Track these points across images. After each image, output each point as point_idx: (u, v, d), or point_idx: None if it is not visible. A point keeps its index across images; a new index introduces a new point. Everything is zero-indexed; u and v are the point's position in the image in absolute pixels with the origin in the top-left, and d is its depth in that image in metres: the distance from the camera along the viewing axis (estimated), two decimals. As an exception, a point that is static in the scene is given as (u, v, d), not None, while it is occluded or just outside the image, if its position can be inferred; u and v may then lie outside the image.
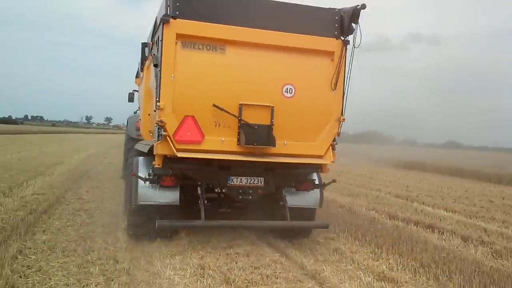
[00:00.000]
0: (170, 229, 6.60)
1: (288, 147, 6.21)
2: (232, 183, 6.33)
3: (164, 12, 5.67)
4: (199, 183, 6.40)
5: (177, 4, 5.63)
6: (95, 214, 8.18)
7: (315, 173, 7.13)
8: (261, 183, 6.43)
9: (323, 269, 5.75)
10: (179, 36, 5.66)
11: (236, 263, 5.77)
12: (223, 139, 5.93)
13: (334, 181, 7.18)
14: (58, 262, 5.31)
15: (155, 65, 5.95)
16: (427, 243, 7.27)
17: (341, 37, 6.26)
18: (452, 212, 10.86)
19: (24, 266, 5.06)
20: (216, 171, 6.23)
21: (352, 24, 6.12)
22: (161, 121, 5.64)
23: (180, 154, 5.66)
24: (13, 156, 18.59)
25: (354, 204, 11.07)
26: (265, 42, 5.99)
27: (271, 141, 6.00)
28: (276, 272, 5.49)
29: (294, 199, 6.90)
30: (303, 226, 7.20)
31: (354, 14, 6.10)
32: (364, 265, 6.13)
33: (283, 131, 6.11)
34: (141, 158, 6.61)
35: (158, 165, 5.89)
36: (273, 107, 6.03)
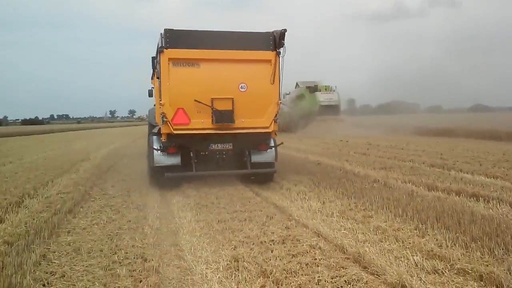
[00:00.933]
0: (175, 179, 9.89)
1: (245, 123, 9.54)
2: (212, 147, 9.85)
3: (160, 45, 9.07)
4: (191, 149, 9.82)
5: (167, 40, 9.04)
6: (121, 210, 7.86)
7: (271, 138, 10.30)
8: (230, 146, 9.90)
9: (366, 250, 5.28)
10: (170, 59, 9.09)
11: (272, 251, 5.35)
12: (202, 120, 9.32)
13: (281, 143, 10.93)
14: (83, 265, 4.98)
15: (158, 78, 9.60)
16: (474, 214, 6.71)
17: (275, 50, 9.50)
18: (493, 178, 10.22)
19: (47, 273, 4.74)
20: (201, 141, 9.67)
21: (281, 41, 9.37)
22: (163, 112, 9.15)
23: (176, 132, 9.24)
24: (39, 156, 18.57)
25: (389, 177, 10.53)
26: (225, 58, 9.31)
27: (232, 120, 9.37)
28: (316, 259, 5.05)
29: (257, 157, 10.26)
30: (258, 172, 10.27)
31: (281, 34, 9.33)
32: (410, 243, 5.63)
33: (240, 113, 9.43)
34: (155, 137, 10.16)
35: (164, 140, 9.50)
36: (233, 98, 9.37)
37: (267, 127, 9.67)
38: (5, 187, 10.10)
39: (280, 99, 9.76)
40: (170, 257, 5.45)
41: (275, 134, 10.22)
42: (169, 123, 9.16)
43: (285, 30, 9.32)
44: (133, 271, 4.77)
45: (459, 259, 4.99)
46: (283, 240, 5.77)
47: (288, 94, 40.85)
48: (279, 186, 10.16)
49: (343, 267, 4.79)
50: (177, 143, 9.64)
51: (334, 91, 36.98)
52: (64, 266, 4.96)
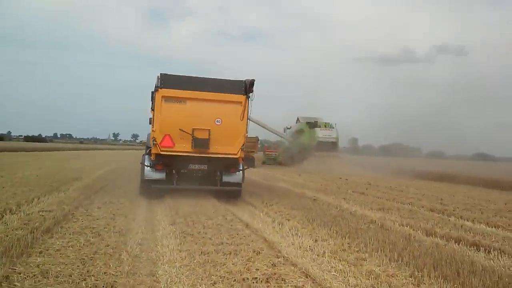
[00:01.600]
0: (160, 190, 12.07)
1: (218, 149, 11.88)
2: (190, 167, 12.28)
3: (157, 84, 11.48)
4: (174, 168, 12.22)
5: (162, 82, 11.44)
6: (102, 233, 7.42)
7: (240, 163, 12.53)
8: (205, 167, 12.34)
9: (356, 297, 4.85)
10: (163, 96, 11.48)
11: (254, 290, 4.92)
12: (184, 145, 11.70)
13: (250, 167, 14.91)
14: (46, 291, 4.56)
15: (152, 109, 11.96)
16: (474, 264, 6.26)
17: (245, 94, 11.82)
18: (495, 227, 9.78)
19: (4, 297, 4.32)
20: (182, 161, 12.03)
21: (251, 88, 11.77)
22: (154, 137, 11.60)
23: (162, 152, 11.61)
24: (33, 172, 18.17)
25: (386, 219, 10.09)
26: (206, 98, 11.68)
27: (208, 146, 11.74)
28: (300, 302, 4.60)
29: (227, 177, 12.45)
30: (225, 189, 12.44)
31: (251, 83, 11.72)
32: (404, 291, 5.20)
33: (215, 141, 11.76)
34: (146, 156, 12.49)
35: (153, 158, 11.85)
36: (209, 129, 11.74)
37: (235, 154, 12.12)
38: (-12, 201, 9.69)
39: (247, 132, 12.23)
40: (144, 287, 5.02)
41: (242, 159, 12.57)
42: (158, 145, 11.67)
43: (253, 80, 11.81)
44: (99, 301, 4.34)
45: (456, 314, 4.55)
46: (267, 279, 5.32)
47: (289, 128, 41.38)
48: (271, 219, 9.74)
49: (329, 314, 4.34)
50: (163, 161, 12.05)
51: (333, 128, 37.53)
52: (25, 290, 4.53)
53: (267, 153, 43.15)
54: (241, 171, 12.61)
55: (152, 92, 12.13)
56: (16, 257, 5.63)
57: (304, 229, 8.73)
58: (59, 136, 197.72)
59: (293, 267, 6.01)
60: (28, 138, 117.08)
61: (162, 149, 11.64)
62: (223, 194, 12.66)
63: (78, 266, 5.48)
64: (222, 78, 12.12)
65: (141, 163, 12.87)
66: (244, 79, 12.01)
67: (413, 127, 60.88)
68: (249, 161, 34.25)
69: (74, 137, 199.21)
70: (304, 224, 9.26)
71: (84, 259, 5.81)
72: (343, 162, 35.32)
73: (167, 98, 11.58)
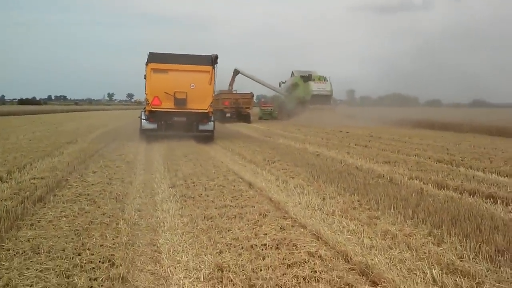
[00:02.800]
0: (152, 136, 16.35)
1: (193, 106, 16.16)
2: (174, 119, 16.39)
3: (146, 61, 16.06)
4: (162, 120, 16.50)
5: (151, 58, 16.06)
6: (97, 200, 6.98)
7: (211, 116, 16.96)
8: (184, 119, 16.48)
9: (374, 260, 4.47)
10: (151, 69, 15.94)
11: (263, 259, 4.52)
12: (168, 103, 16.01)
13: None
14: (36, 270, 4.14)
15: (145, 77, 16.31)
16: (495, 219, 5.87)
17: (211, 65, 16.12)
18: (507, 177, 9.43)
19: (-11, 279, 3.91)
20: (167, 115, 16.28)
21: (216, 61, 16.27)
22: (146, 98, 16.16)
23: (153, 109, 16.15)
24: (26, 136, 17.67)
25: (394, 172, 9.71)
26: (183, 69, 16.05)
27: (186, 104, 16.01)
28: (315, 271, 4.20)
29: (202, 126, 16.69)
30: (201, 134, 16.84)
31: (215, 57, 16.17)
32: (425, 252, 4.81)
33: (190, 100, 16.00)
34: (143, 112, 16.82)
35: (147, 113, 16.39)
36: (186, 92, 15.99)
37: (206, 109, 16.69)
38: (-23, 169, 9.24)
39: (214, 93, 17.91)
40: (144, 260, 4.64)
41: (212, 113, 17.19)
42: (150, 104, 16.44)
43: (217, 55, 16.50)
44: (94, 279, 3.94)
45: (485, 276, 4.18)
46: (277, 245, 4.92)
47: (283, 82, 41.66)
48: (274, 177, 9.34)
49: (348, 285, 3.96)
50: (153, 116, 16.60)
51: (327, 81, 37.73)
52: (13, 270, 4.12)
53: (263, 108, 43.37)
54: (212, 122, 17.30)
55: (146, 64, 16.44)
56: (5, 231, 5.20)
57: (310, 186, 8.34)
58: (53, 98, 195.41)
59: (303, 229, 5.63)
60: (22, 101, 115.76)
61: (153, 106, 16.49)
62: (200, 138, 17.04)
63: (72, 238, 5.07)
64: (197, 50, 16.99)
65: (138, 117, 17.92)
66: (210, 54, 16.66)
67: (410, 76, 60.13)
68: (244, 117, 34.81)
69: (69, 98, 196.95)
70: (309, 181, 8.87)
71: (78, 230, 5.39)
72: (338, 114, 35.31)
73: (154, 70, 16.31)
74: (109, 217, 6.00)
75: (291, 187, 8.23)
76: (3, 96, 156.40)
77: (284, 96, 41.39)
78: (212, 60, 16.39)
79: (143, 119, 16.75)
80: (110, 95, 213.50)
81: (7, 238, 5.02)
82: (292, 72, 41.14)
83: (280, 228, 5.61)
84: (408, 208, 6.49)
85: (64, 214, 6.10)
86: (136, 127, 18.92)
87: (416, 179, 8.99)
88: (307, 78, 37.99)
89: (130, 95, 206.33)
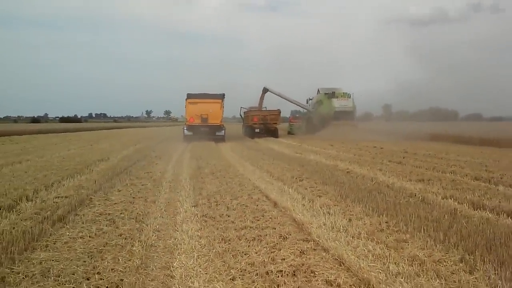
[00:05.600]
0: (190, 139, 29.26)
1: (211, 121, 30.64)
2: (201, 129, 30.23)
3: (186, 98, 30.82)
4: (194, 130, 30.60)
5: (188, 96, 30.91)
6: (116, 220, 6.88)
7: (223, 127, 30.98)
8: (207, 129, 30.34)
9: (399, 289, 4.13)
10: (188, 102, 30.72)
11: (279, 286, 4.25)
12: (198, 120, 30.60)
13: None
14: (41, 295, 4.02)
15: (185, 107, 31.08)
16: (535, 244, 5.42)
17: (222, 99, 30.93)
18: (552, 197, 8.80)
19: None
20: (198, 127, 30.56)
21: (223, 96, 31.23)
22: (186, 118, 31.63)
23: (190, 124, 30.87)
24: (60, 154, 18.01)
25: (427, 191, 9.24)
26: (205, 101, 30.72)
27: (207, 121, 30.63)
28: (332, 301, 3.91)
29: (217, 133, 30.67)
30: (217, 137, 30.24)
31: (223, 95, 31.17)
32: (455, 281, 4.44)
33: (210, 119, 30.60)
34: (184, 125, 31.60)
35: (186, 126, 30.98)
36: (207, 114, 30.62)
37: (219, 123, 30.39)
38: (6, 187, 9.36)
39: (223, 115, 31.56)
40: (155, 286, 4.45)
41: (223, 125, 30.71)
42: (188, 121, 30.54)
43: (224, 94, 31.03)
44: (97, 308, 3.77)
45: (522, 311, 3.78)
46: (294, 271, 4.63)
47: (311, 99, 43.95)
48: (301, 196, 9.03)
49: (366, 318, 3.64)
50: (190, 128, 30.14)
51: (349, 98, 39.70)
52: (18, 295, 4.00)
53: (291, 123, 46.88)
54: (223, 130, 30.72)
55: (185, 100, 30.39)
56: (18, 253, 5.14)
57: (336, 206, 8.00)
58: (94, 116, 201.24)
59: (324, 253, 5.32)
60: (63, 119, 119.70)
61: (189, 123, 30.33)
62: (216, 139, 29.54)
63: (84, 261, 4.93)
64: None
65: (182, 128, 31.53)
66: (221, 93, 31.04)
67: (450, 90, 58.63)
68: (272, 132, 36.79)
69: (109, 116, 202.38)
70: (336, 200, 8.54)
71: (92, 252, 5.26)
72: (356, 129, 36.62)
73: (190, 102, 30.29)
74: (125, 239, 5.86)
75: (317, 207, 7.91)
76: (46, 114, 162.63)
77: (311, 112, 43.17)
78: (222, 96, 30.93)
79: (185, 129, 30.63)
80: (148, 112, 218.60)
81: (19, 260, 4.94)
82: (318, 89, 42.76)
83: (300, 252, 5.31)
84: (439, 231, 6.10)
85: (80, 235, 5.99)
86: (168, 145, 26.09)
87: (450, 199, 8.50)
88: (331, 95, 39.92)
89: (167, 112, 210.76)
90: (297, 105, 44.95)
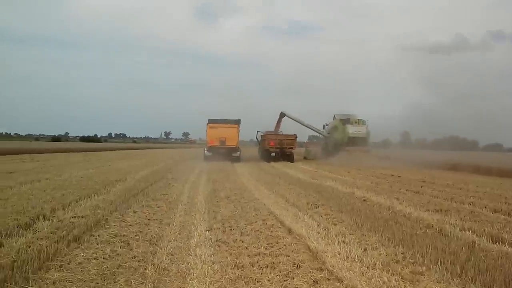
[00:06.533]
0: (209, 159, 33.93)
1: (228, 144, 35.34)
2: (219, 151, 35.18)
3: (207, 122, 36.12)
4: (214, 151, 35.54)
5: (209, 121, 36.20)
6: (131, 242, 6.90)
7: (238, 149, 36.07)
8: (225, 151, 35.22)
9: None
10: (209, 126, 35.87)
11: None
12: (217, 143, 35.48)
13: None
14: (53, 316, 4.02)
15: (206, 131, 36.42)
16: (556, 281, 5.27)
17: (238, 124, 36.09)
18: None
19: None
20: (216, 148, 35.44)
21: (239, 121, 36.77)
22: (207, 141, 36.67)
23: (210, 145, 35.77)
24: (78, 173, 18.20)
25: (445, 222, 9.08)
26: (224, 126, 35.73)
27: (225, 143, 35.37)
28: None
29: (234, 154, 35.22)
30: (233, 158, 34.63)
31: (239, 120, 36.74)
32: (472, 318, 4.32)
33: (227, 141, 35.38)
34: (205, 147, 36.66)
35: (207, 148, 35.97)
36: (225, 137, 35.34)
37: (235, 146, 35.36)
38: (24, 205, 9.47)
39: (239, 138, 36.93)
40: (165, 311, 4.42)
41: (239, 147, 36.04)
42: (208, 143, 35.67)
43: (240, 119, 36.81)
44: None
45: None
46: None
47: (327, 125, 44.26)
48: (316, 223, 8.95)
49: None
50: (210, 149, 35.10)
51: (364, 124, 40.42)
52: (30, 316, 4.01)
53: (307, 148, 47.70)
54: (239, 152, 35.47)
55: (206, 124, 35.53)
56: (33, 272, 5.17)
57: (352, 235, 7.91)
58: (113, 136, 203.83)
59: (338, 284, 5.25)
60: (83, 139, 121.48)
61: (209, 145, 35.32)
62: (232, 160, 33.59)
63: (97, 283, 4.96)
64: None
65: (204, 150, 36.16)
66: (237, 119, 36.54)
67: (470, 119, 58.06)
68: (288, 156, 37.89)
69: (128, 136, 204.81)
70: (352, 229, 8.44)
71: (105, 274, 5.28)
72: (369, 156, 36.90)
73: (210, 127, 35.41)
74: (139, 261, 5.87)
75: (332, 235, 7.82)
76: (67, 133, 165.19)
77: (326, 137, 43.72)
78: (238, 121, 35.97)
79: (206, 151, 35.30)
80: (167, 134, 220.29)
81: (33, 280, 4.98)
82: (334, 115, 43.48)
83: (313, 281, 5.25)
84: (456, 264, 5.97)
85: (95, 256, 6.02)
86: (185, 167, 26.14)
87: (469, 231, 8.33)
88: (345, 121, 40.64)
89: (185, 134, 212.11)
90: (313, 130, 45.52)
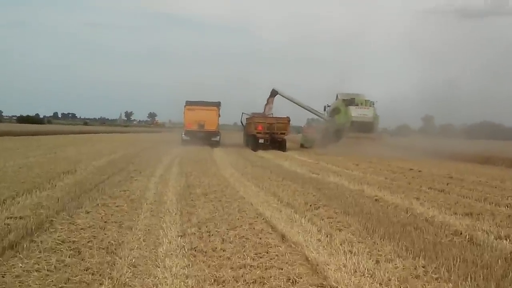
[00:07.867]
0: (187, 143, 39.88)
1: (207, 128, 41.99)
2: (198, 135, 41.41)
3: (184, 104, 42.95)
4: (192, 135, 42.21)
5: (187, 102, 43.06)
6: (83, 249, 6.91)
7: (218, 133, 42.58)
8: (203, 135, 41.60)
9: None
10: (187, 108, 42.56)
11: None
12: (195, 126, 41.97)
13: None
14: None
15: (183, 113, 43.50)
16: None
17: (218, 106, 43.14)
18: None
19: None
20: (195, 132, 41.75)
21: (220, 104, 44.07)
22: (184, 124, 43.49)
23: (188, 129, 42.27)
24: (16, 163, 18.12)
25: (477, 229, 9.22)
26: (202, 108, 42.47)
27: (204, 127, 42.00)
28: None
29: (213, 138, 41.78)
30: (212, 142, 40.72)
31: (219, 103, 44.00)
32: None
33: (206, 125, 41.99)
34: (182, 132, 43.27)
35: (185, 132, 42.45)
36: (205, 120, 41.99)
37: (214, 129, 41.74)
38: None
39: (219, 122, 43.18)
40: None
41: (219, 131, 42.35)
42: (186, 127, 41.97)
43: (220, 101, 43.93)
44: None
45: None
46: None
47: (329, 106, 44.01)
48: (316, 228, 9.05)
49: None
50: (188, 133, 41.15)
51: (371, 106, 40.93)
52: None
53: (304, 134, 47.16)
54: (218, 136, 41.71)
55: (184, 107, 42.10)
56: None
57: (361, 243, 8.03)
58: (60, 116, 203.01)
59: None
60: (22, 119, 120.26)
61: (187, 128, 41.42)
62: (211, 144, 39.10)
63: (39, 302, 4.93)
64: None
65: (181, 134, 42.12)
66: (217, 101, 43.59)
67: (508, 101, 58.57)
68: (279, 144, 38.65)
69: (78, 117, 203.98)
70: (361, 236, 8.57)
71: (49, 291, 5.26)
72: (377, 144, 37.24)
73: (188, 109, 41.61)
74: (92, 274, 5.90)
75: (337, 243, 7.93)
76: (0, 112, 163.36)
77: (326, 121, 44.39)
78: (218, 104, 42.03)
79: (183, 135, 40.59)
80: (128, 114, 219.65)
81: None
82: (337, 95, 43.84)
83: (313, 301, 5.29)
84: (490, 280, 6.11)
85: (36, 268, 6.03)
86: (151, 156, 25.90)
87: (506, 239, 8.50)
88: (349, 102, 41.14)
89: (152, 115, 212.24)
90: (311, 112, 46.15)
